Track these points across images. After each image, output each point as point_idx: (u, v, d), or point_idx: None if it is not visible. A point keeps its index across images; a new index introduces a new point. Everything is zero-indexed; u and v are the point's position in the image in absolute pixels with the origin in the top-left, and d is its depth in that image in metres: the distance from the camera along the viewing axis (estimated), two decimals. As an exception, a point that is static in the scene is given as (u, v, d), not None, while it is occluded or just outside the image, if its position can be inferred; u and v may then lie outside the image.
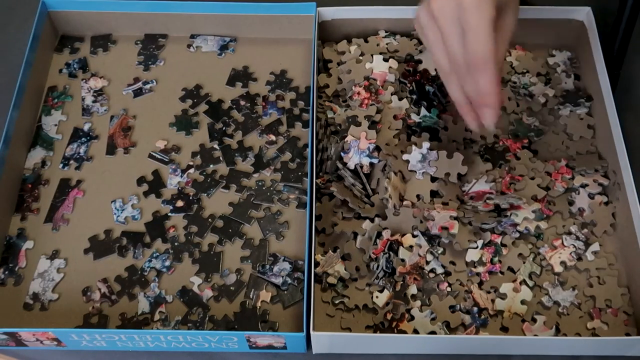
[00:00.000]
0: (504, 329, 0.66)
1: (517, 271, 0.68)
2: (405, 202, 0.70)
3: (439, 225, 0.68)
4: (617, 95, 0.74)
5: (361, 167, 0.71)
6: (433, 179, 0.71)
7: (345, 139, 0.72)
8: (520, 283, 0.67)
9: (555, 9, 0.80)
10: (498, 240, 0.68)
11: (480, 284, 0.67)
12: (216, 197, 0.74)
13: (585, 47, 0.79)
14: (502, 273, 0.68)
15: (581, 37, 0.80)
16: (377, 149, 0.72)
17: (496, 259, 0.68)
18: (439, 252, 0.68)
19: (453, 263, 0.68)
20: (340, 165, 0.71)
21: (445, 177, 0.70)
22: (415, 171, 0.71)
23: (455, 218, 0.68)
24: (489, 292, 0.67)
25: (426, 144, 0.71)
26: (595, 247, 0.69)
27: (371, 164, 0.72)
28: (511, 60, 0.81)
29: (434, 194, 0.71)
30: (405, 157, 0.71)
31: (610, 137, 0.72)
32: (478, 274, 0.68)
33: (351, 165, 0.72)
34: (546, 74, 0.80)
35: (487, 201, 0.69)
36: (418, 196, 0.70)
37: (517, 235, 0.69)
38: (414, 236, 0.68)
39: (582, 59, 0.81)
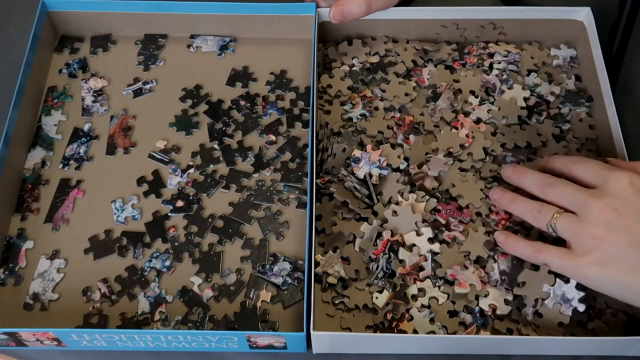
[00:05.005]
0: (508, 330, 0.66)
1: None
2: (405, 202, 0.70)
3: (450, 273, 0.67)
4: (617, 95, 0.74)
5: (370, 177, 0.72)
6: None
7: (353, 152, 0.73)
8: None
9: (554, 9, 0.80)
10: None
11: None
12: (216, 197, 0.74)
13: (585, 47, 0.79)
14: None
15: (581, 37, 0.80)
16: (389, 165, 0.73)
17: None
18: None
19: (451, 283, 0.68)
20: (345, 172, 0.71)
21: None
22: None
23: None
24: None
25: None
26: None
27: (381, 176, 0.72)
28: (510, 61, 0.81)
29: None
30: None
31: (610, 137, 0.72)
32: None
33: (360, 175, 0.72)
34: (546, 73, 0.80)
35: None
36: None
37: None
38: (418, 235, 0.68)
39: (582, 59, 0.81)
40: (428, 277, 0.67)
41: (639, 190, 0.56)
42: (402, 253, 0.68)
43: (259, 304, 0.68)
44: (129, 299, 0.68)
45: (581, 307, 0.64)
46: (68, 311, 0.67)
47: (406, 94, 0.78)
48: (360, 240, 0.68)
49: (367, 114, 0.77)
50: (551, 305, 0.64)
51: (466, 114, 0.77)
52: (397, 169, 0.73)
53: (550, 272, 0.65)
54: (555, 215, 0.60)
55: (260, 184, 0.74)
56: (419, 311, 0.66)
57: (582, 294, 0.64)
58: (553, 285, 0.64)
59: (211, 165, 0.76)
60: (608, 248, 0.56)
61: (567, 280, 0.64)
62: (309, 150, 0.75)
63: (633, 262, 0.55)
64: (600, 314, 0.66)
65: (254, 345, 0.65)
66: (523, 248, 0.64)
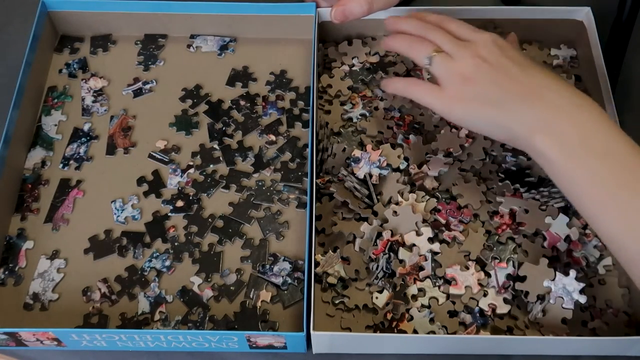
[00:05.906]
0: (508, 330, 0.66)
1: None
2: (405, 203, 0.70)
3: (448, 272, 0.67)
4: (617, 95, 0.74)
5: (370, 177, 0.72)
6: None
7: (353, 152, 0.73)
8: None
9: (554, 9, 0.80)
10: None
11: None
12: (216, 197, 0.74)
13: (585, 47, 0.79)
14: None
15: (581, 37, 0.80)
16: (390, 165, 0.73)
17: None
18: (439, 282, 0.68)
19: (449, 282, 0.68)
20: (345, 172, 0.71)
21: None
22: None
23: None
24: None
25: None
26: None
27: (381, 176, 0.72)
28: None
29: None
30: None
31: (610, 137, 0.72)
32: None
33: (360, 175, 0.72)
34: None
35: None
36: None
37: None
38: (418, 235, 0.68)
39: (582, 59, 0.81)
40: (428, 277, 0.67)
41: (500, 47, 0.63)
42: (402, 253, 0.68)
43: (259, 304, 0.68)
44: (129, 299, 0.68)
45: (582, 299, 0.64)
46: (68, 311, 0.67)
47: (406, 94, 0.78)
48: (360, 240, 0.68)
49: (367, 114, 0.77)
50: (553, 300, 0.64)
51: (466, 114, 0.77)
52: (397, 169, 0.73)
53: (549, 266, 0.65)
54: (433, 53, 0.65)
55: (260, 184, 0.74)
56: (419, 311, 0.66)
57: (582, 285, 0.64)
58: (553, 279, 0.64)
59: (211, 165, 0.76)
60: (474, 86, 0.62)
61: (567, 274, 0.65)
62: (309, 150, 0.75)
63: (495, 99, 0.60)
64: (601, 314, 0.66)
65: (254, 345, 0.65)
66: (398, 83, 0.70)
